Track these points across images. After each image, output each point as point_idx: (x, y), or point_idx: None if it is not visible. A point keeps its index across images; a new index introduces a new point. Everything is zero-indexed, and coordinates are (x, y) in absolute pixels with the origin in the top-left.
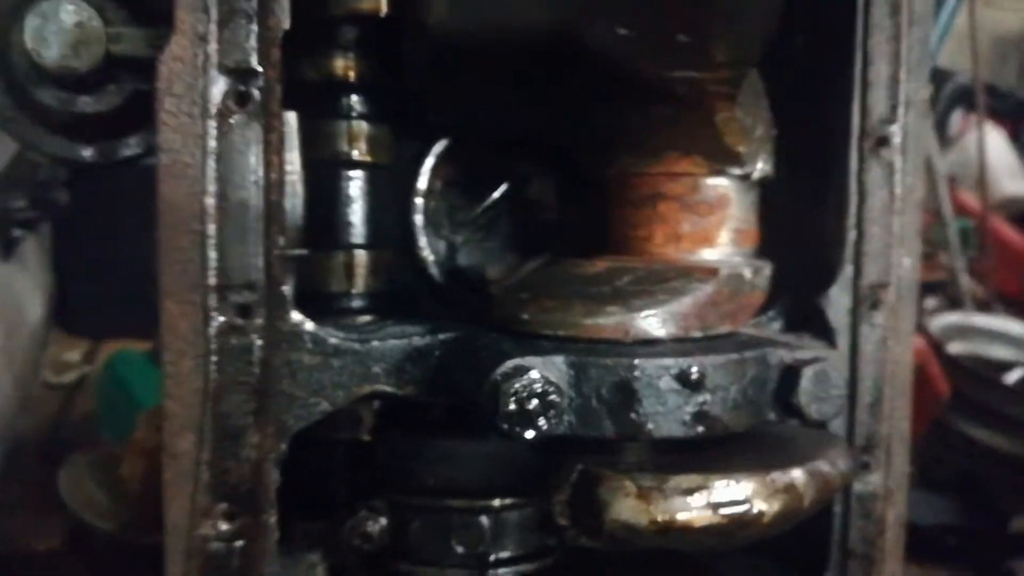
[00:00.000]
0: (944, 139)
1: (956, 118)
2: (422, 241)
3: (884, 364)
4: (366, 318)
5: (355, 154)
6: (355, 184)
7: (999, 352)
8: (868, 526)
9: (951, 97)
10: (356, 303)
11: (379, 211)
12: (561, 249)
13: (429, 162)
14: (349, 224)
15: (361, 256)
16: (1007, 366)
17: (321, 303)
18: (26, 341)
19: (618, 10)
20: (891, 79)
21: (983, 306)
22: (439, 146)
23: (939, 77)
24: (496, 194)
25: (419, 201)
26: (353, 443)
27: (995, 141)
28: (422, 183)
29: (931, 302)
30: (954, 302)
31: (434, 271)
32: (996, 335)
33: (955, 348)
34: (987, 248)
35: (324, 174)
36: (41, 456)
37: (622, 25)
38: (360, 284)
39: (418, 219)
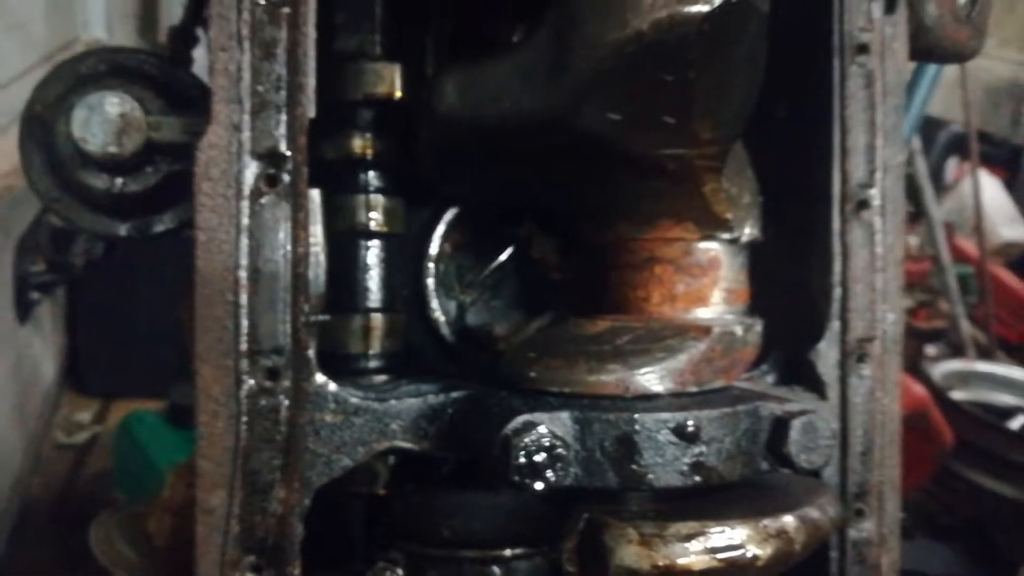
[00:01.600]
0: (940, 187)
1: (951, 166)
2: (434, 303)
3: (873, 414)
4: (382, 377)
5: (372, 225)
6: (372, 252)
7: (1002, 398)
8: (864, 572)
9: (945, 145)
10: (373, 363)
11: (393, 276)
12: (564, 307)
13: (440, 229)
14: (367, 289)
15: (377, 319)
16: (1010, 412)
17: (340, 364)
18: (39, 402)
19: (607, 98)
20: (868, 146)
21: (985, 353)
22: (449, 214)
23: (933, 126)
24: (502, 257)
25: (431, 266)
26: (370, 497)
27: (990, 188)
28: (433, 249)
29: (932, 349)
30: (956, 349)
31: (445, 331)
32: (998, 381)
33: (957, 395)
34: (986, 294)
35: (343, 244)
36: (53, 515)
37: (611, 111)
38: (376, 345)
39: (430, 282)
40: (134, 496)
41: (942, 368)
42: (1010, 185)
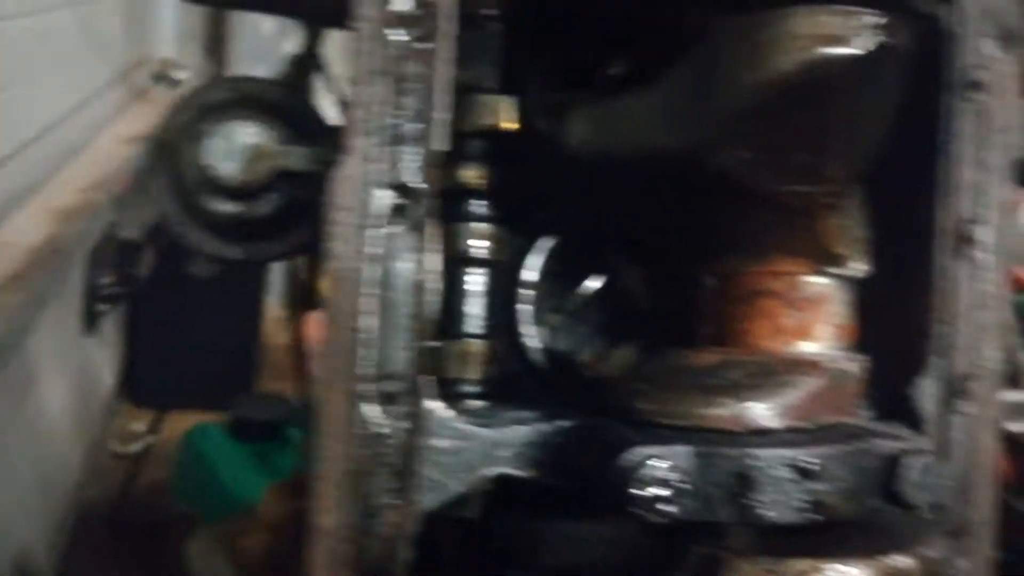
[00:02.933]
0: None
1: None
2: (525, 329)
3: (972, 452)
4: (479, 403)
5: (476, 253)
6: (475, 280)
7: None
8: None
9: None
10: (470, 388)
11: (491, 303)
12: (649, 337)
13: (535, 257)
14: (467, 316)
15: (477, 345)
16: None
17: (439, 388)
18: (98, 412)
19: (745, 136)
20: (976, 184)
21: None
22: (544, 241)
23: None
24: (590, 284)
25: (524, 292)
26: (461, 521)
27: None
28: (527, 276)
29: None
30: (1012, 380)
31: (536, 357)
32: None
33: (1015, 427)
34: None
35: (449, 271)
36: (108, 526)
37: (747, 149)
38: (474, 371)
39: (522, 308)
40: (194, 507)
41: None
42: None
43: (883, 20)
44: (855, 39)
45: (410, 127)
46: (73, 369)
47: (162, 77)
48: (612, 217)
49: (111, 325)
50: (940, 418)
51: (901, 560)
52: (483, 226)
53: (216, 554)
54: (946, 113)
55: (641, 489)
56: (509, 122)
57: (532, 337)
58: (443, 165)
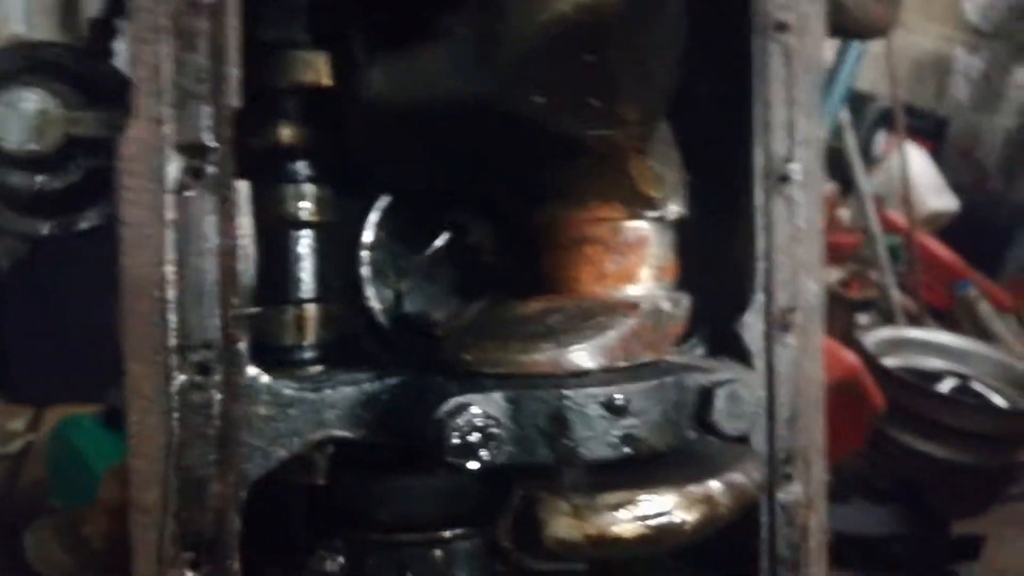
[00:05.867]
0: (870, 160)
1: (880, 139)
2: (369, 291)
3: (798, 381)
4: (318, 368)
5: (302, 215)
6: (303, 243)
7: (931, 363)
8: (793, 533)
9: (873, 119)
10: (308, 354)
11: (326, 266)
12: (500, 291)
13: (373, 217)
14: (299, 280)
15: (311, 309)
16: (939, 376)
17: (275, 356)
18: None
19: (533, 81)
20: (788, 122)
21: (914, 319)
22: (382, 202)
23: (862, 101)
24: (437, 243)
25: (365, 254)
26: (309, 487)
27: (917, 159)
28: (367, 237)
29: (864, 318)
30: (886, 317)
31: (382, 319)
32: (928, 346)
33: (889, 361)
34: (915, 263)
35: (274, 235)
36: None
37: (537, 94)
38: (311, 336)
39: (364, 271)
40: (71, 502)
41: (874, 336)
42: (936, 156)
43: None
44: None
45: (200, 85)
46: None
47: None
48: (445, 171)
49: None
50: (765, 351)
51: (711, 486)
52: (308, 187)
53: (54, 542)
54: (755, 54)
55: (454, 438)
56: (325, 78)
57: (378, 299)
58: (257, 125)
